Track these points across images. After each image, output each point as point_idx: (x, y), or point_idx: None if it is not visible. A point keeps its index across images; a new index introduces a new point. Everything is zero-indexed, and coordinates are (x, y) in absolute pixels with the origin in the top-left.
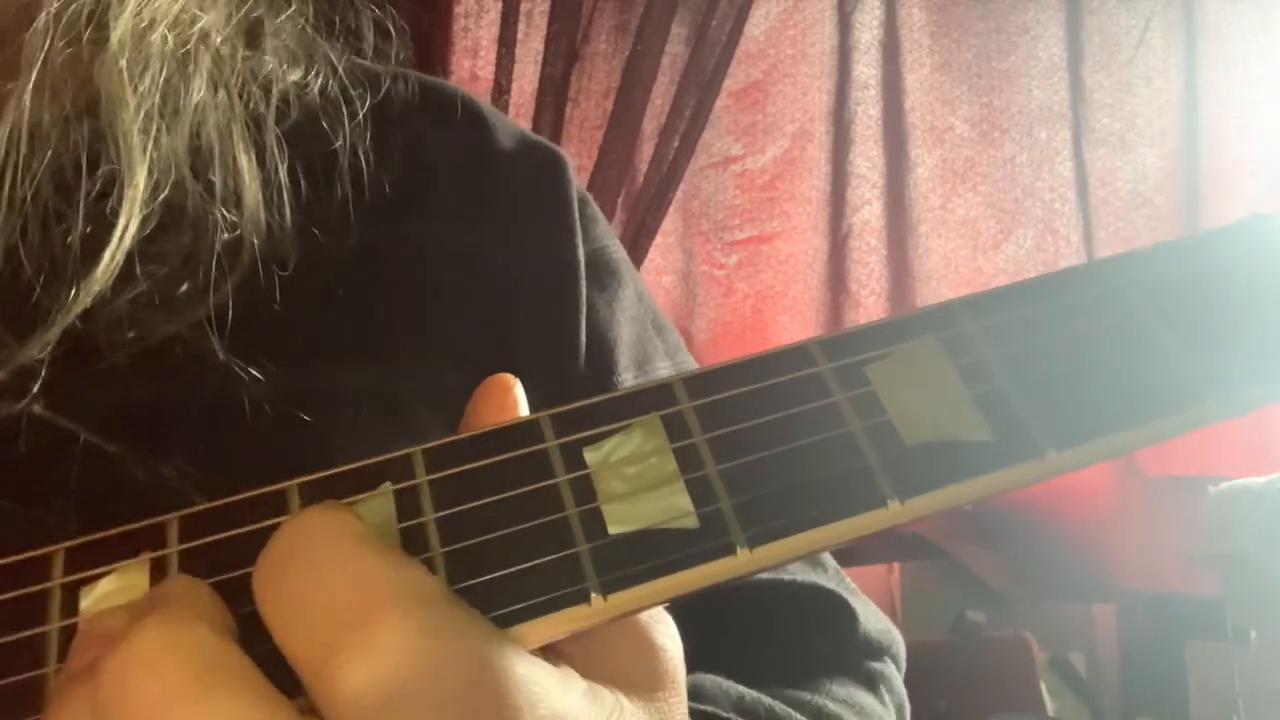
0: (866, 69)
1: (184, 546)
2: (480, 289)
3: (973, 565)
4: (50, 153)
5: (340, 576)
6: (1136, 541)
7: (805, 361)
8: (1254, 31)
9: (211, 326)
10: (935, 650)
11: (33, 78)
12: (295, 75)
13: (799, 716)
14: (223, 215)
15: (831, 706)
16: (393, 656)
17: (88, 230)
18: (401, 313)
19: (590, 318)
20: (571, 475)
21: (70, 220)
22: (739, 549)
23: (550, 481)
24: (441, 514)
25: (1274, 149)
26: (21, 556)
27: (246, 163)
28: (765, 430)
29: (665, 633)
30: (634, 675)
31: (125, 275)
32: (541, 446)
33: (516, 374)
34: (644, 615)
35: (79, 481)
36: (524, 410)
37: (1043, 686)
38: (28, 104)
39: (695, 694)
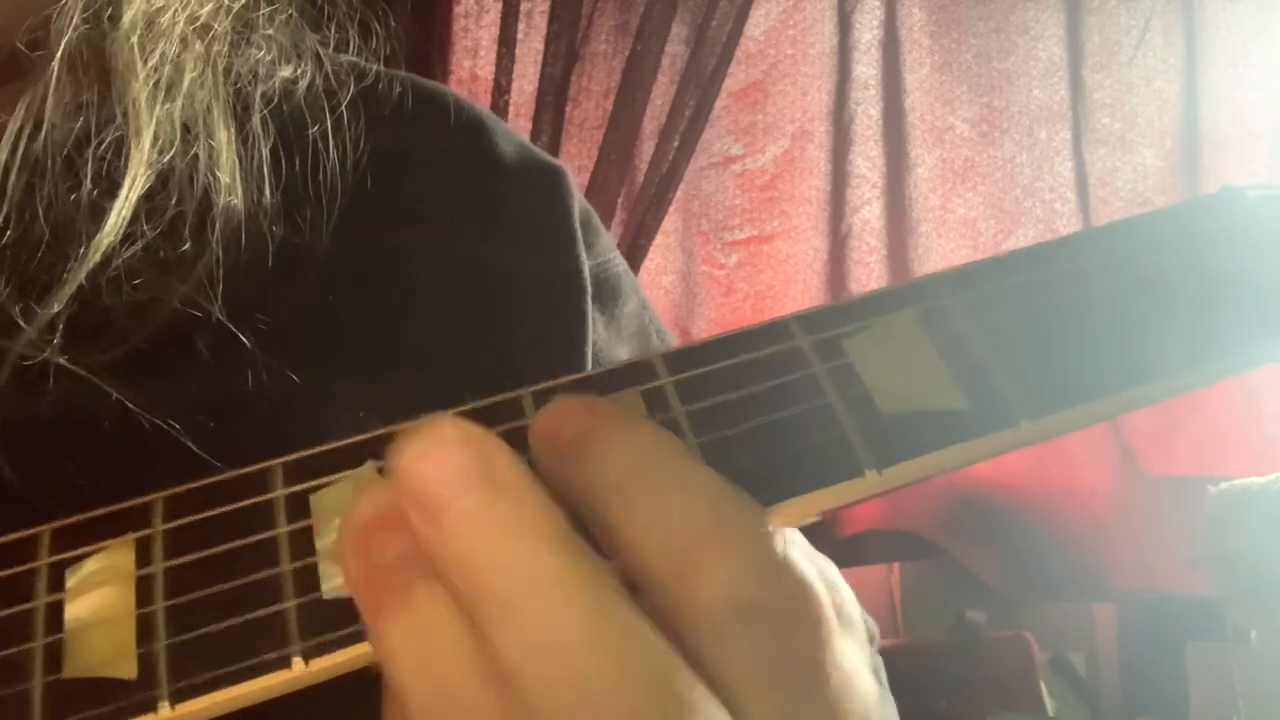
0: (866, 69)
1: (168, 526)
2: (479, 297)
3: (973, 565)
4: (62, 118)
5: (697, 492)
6: (1136, 541)
7: (784, 336)
8: (1254, 31)
9: (213, 288)
10: (935, 650)
11: (61, 47)
12: (285, 71)
13: None
14: (212, 178)
15: None
16: (753, 564)
17: (94, 191)
18: (398, 318)
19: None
20: None
21: (79, 178)
22: None
23: None
24: None
25: (1274, 149)
26: (9, 537)
27: (226, 138)
28: (745, 403)
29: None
30: None
31: (128, 233)
32: (525, 422)
33: (515, 383)
34: None
35: (107, 432)
36: None
37: (1043, 686)
38: (55, 70)
39: None
